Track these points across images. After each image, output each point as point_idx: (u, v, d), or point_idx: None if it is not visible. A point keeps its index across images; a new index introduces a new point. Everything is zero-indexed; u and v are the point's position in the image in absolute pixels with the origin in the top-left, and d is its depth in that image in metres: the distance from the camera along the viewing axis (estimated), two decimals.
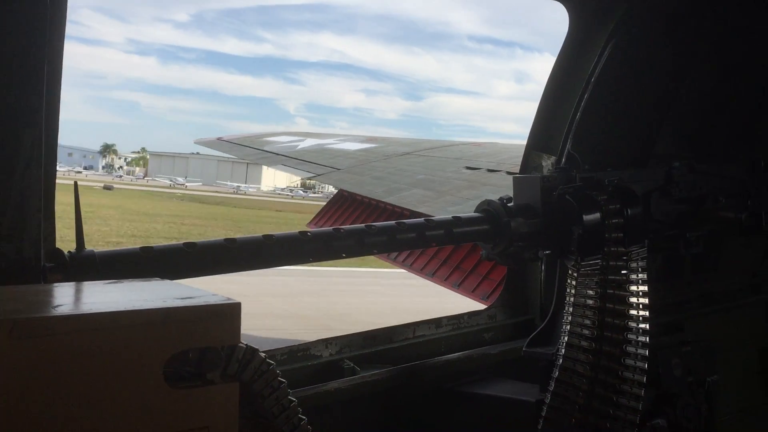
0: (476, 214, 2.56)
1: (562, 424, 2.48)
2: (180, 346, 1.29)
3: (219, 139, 23.12)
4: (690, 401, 3.05)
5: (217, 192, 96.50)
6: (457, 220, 2.48)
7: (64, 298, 1.38)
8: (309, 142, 19.85)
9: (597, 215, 2.54)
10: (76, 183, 1.90)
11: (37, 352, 1.16)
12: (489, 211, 2.55)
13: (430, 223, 2.42)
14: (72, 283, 1.58)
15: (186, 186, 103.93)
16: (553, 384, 2.51)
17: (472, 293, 6.86)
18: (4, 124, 1.79)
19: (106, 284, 1.54)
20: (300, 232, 2.19)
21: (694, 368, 3.07)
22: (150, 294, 1.44)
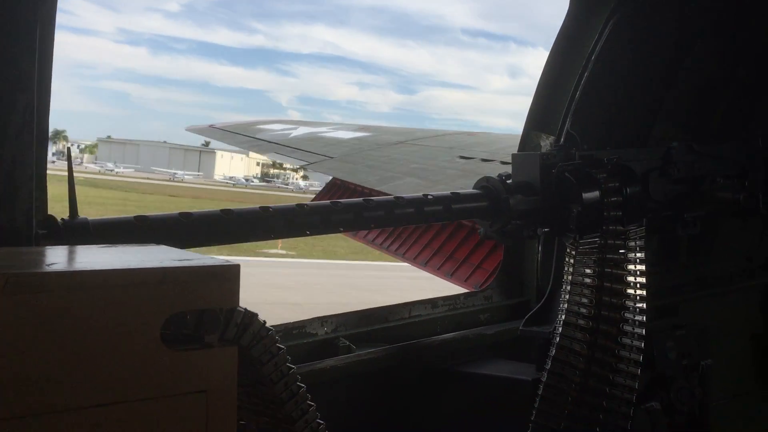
0: (475, 191, 2.54)
1: (558, 402, 2.47)
2: (178, 308, 1.26)
3: (211, 126, 23.03)
4: (684, 384, 3.05)
5: (149, 179, 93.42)
6: (455, 196, 2.46)
7: (57, 258, 1.35)
8: (302, 131, 19.77)
9: (596, 193, 2.53)
10: (69, 149, 1.86)
11: (31, 308, 1.13)
12: (488, 187, 2.53)
13: (429, 199, 2.40)
14: (65, 246, 1.55)
15: (116, 172, 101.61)
16: (549, 363, 2.50)
17: (465, 282, 6.85)
18: None
19: (100, 247, 1.51)
20: (298, 204, 2.16)
21: (688, 351, 3.07)
22: (146, 256, 1.41)
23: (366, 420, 2.72)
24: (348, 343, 2.72)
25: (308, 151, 16.20)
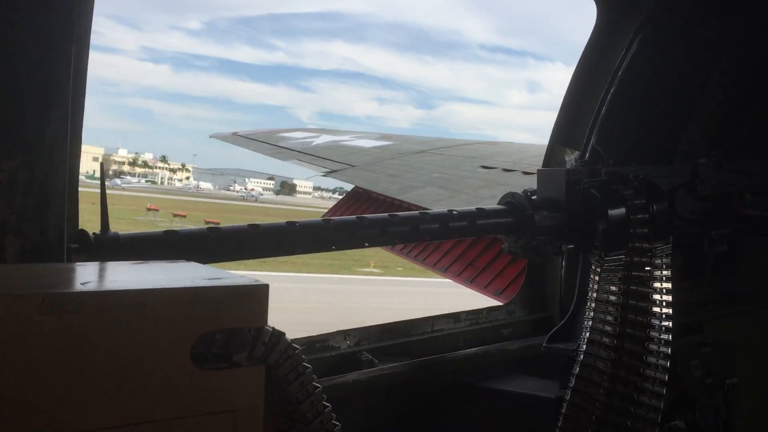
0: (500, 207, 2.53)
1: (582, 421, 2.45)
2: (208, 327, 1.28)
3: (234, 133, 23.22)
4: (709, 403, 3.02)
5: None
6: (480, 212, 2.45)
7: (90, 275, 1.37)
8: (324, 139, 19.84)
9: (622, 210, 2.51)
10: (102, 164, 1.89)
11: (65, 327, 1.15)
12: (513, 203, 2.52)
13: (453, 214, 2.39)
14: (97, 263, 1.57)
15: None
16: (573, 380, 2.48)
17: (484, 289, 6.84)
18: (30, 102, 1.78)
19: (132, 264, 1.53)
20: (323, 219, 2.18)
21: (713, 370, 3.03)
22: (177, 274, 1.43)
23: None
24: (370, 357, 2.72)
25: (330, 159, 16.24)
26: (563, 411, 2.47)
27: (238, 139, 22.14)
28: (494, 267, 7.25)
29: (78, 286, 1.23)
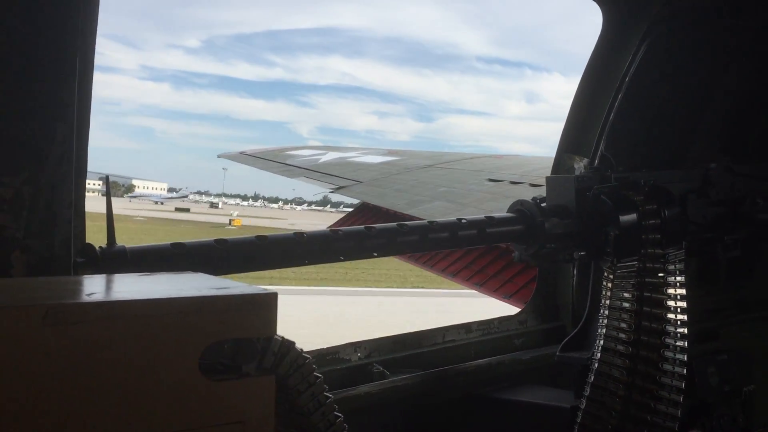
0: (509, 215, 2.51)
1: (598, 430, 2.41)
2: (215, 337, 1.25)
3: (242, 153, 23.31)
4: (726, 411, 2.97)
5: None
6: (489, 220, 2.43)
7: (95, 287, 1.35)
8: (331, 156, 19.89)
9: (633, 216, 2.49)
10: (107, 177, 1.88)
11: (70, 338, 1.13)
12: (522, 211, 2.50)
13: (463, 223, 2.37)
14: (104, 275, 1.55)
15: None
16: (588, 389, 2.44)
17: (494, 292, 6.81)
18: (35, 118, 1.77)
19: (138, 276, 1.51)
20: (331, 230, 2.16)
21: (730, 377, 2.98)
22: (184, 285, 1.41)
23: None
24: (381, 368, 2.68)
25: (338, 176, 16.26)
26: (578, 420, 2.43)
27: (245, 157, 22.23)
28: (505, 274, 7.22)
29: (83, 298, 1.21)
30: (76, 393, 1.14)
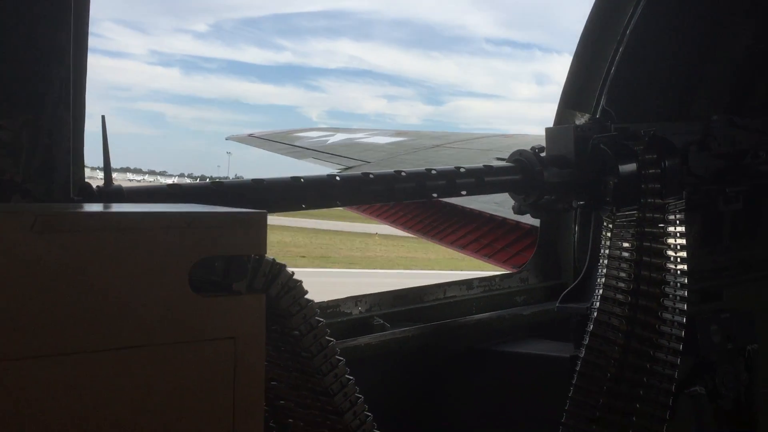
0: (508, 164, 2.51)
1: (597, 378, 2.41)
2: (205, 252, 1.26)
3: (250, 135, 23.32)
4: (729, 369, 2.96)
5: None
6: (488, 169, 2.43)
7: (88, 207, 1.36)
8: (339, 137, 19.86)
9: (633, 165, 2.48)
10: (103, 117, 1.88)
11: (59, 247, 1.14)
12: (521, 160, 2.50)
13: (461, 171, 2.37)
14: (100, 203, 1.56)
15: None
16: (587, 339, 2.44)
17: (503, 264, 6.84)
18: (31, 62, 1.77)
19: (133, 204, 1.52)
20: (328, 175, 2.16)
21: (733, 336, 2.97)
22: (176, 208, 1.42)
23: (401, 399, 2.69)
24: (382, 321, 2.70)
25: (346, 157, 16.24)
26: (578, 369, 2.43)
27: (254, 140, 22.24)
28: (514, 247, 7.24)
29: (73, 209, 1.22)
30: (63, 301, 1.15)
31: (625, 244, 2.48)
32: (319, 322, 1.48)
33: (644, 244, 2.48)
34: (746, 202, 2.83)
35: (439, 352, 2.78)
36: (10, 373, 1.10)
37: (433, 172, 2.32)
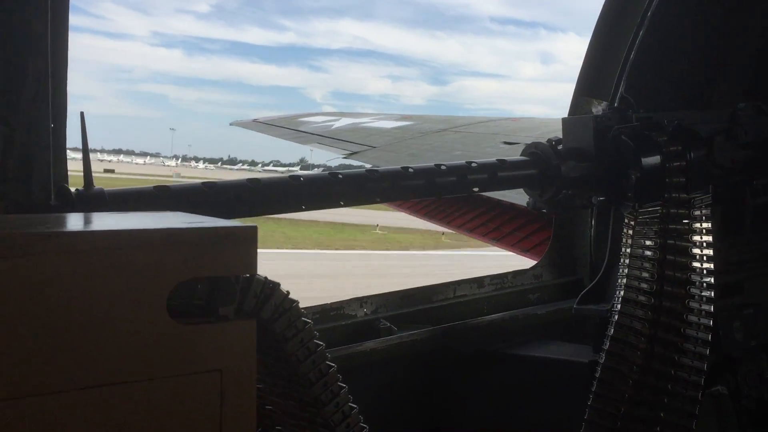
0: (523, 158, 2.35)
1: (618, 385, 2.27)
2: (186, 275, 1.11)
3: (255, 120, 23.20)
4: (753, 367, 2.82)
5: None
6: (501, 164, 2.27)
7: (57, 223, 1.21)
8: (344, 122, 19.74)
9: (657, 158, 2.32)
10: (82, 114, 1.73)
11: (21, 272, 0.99)
12: (537, 154, 2.34)
13: (473, 167, 2.22)
14: (76, 213, 1.41)
15: None
16: (607, 343, 2.30)
17: (512, 247, 6.73)
18: (4, 51, 1.62)
19: (111, 214, 1.37)
20: (330, 173, 2.01)
21: (756, 332, 2.83)
22: (156, 220, 1.26)
23: (409, 406, 2.57)
24: (389, 324, 2.56)
25: (351, 141, 16.13)
26: (598, 375, 2.29)
27: (258, 125, 22.12)
28: (522, 231, 7.12)
29: (35, 229, 1.07)
30: (28, 335, 1.00)
31: (648, 242, 2.34)
32: (318, 346, 1.33)
33: (668, 241, 2.34)
34: None
35: (449, 355, 2.65)
36: None
37: (443, 167, 2.16)
